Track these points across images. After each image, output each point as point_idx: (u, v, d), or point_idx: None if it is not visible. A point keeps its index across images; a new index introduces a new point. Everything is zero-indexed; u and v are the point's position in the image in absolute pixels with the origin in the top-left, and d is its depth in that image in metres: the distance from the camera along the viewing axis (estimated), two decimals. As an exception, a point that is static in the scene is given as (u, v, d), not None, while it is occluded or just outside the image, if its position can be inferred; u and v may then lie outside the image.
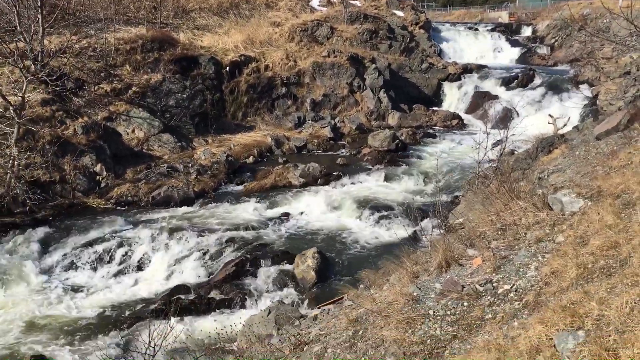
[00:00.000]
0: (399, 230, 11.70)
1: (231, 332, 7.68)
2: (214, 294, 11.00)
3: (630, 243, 4.22)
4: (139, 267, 12.42)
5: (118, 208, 15.38)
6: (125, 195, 15.85)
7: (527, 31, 38.33)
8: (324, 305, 8.11)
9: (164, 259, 12.53)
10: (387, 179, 17.08)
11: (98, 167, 16.62)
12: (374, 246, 12.93)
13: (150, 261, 12.55)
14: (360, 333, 5.06)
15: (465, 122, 24.73)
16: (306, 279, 11.25)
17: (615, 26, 25.51)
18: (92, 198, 15.67)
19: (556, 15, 36.50)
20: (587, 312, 3.43)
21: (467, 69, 28.77)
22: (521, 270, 4.85)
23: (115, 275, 12.20)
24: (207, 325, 9.70)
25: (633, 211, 4.92)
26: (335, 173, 17.52)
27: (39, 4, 18.03)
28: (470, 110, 25.98)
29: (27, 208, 14.00)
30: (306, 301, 10.49)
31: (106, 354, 8.68)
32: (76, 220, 14.25)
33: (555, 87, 24.66)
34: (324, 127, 22.67)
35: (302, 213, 14.90)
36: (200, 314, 10.40)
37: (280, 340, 6.33)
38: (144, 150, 18.99)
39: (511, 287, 4.61)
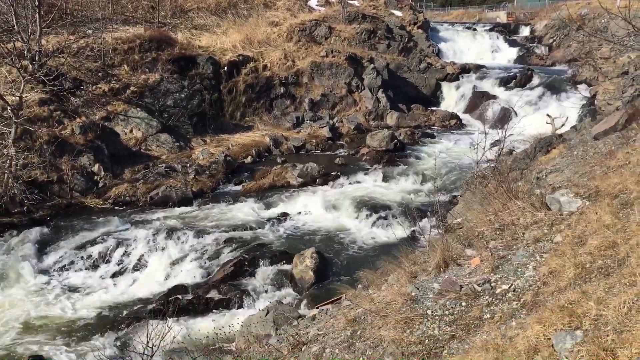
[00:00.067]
0: (397, 230, 11.69)
1: (229, 332, 7.68)
2: (212, 294, 10.99)
3: (628, 243, 4.22)
4: (137, 268, 12.40)
5: (116, 208, 15.36)
6: (123, 195, 15.82)
7: (525, 31, 38.34)
8: (322, 305, 8.11)
9: (162, 259, 12.51)
10: (386, 178, 17.08)
11: (96, 167, 16.59)
12: (372, 246, 12.93)
13: (148, 261, 12.52)
14: (358, 333, 5.05)
15: (463, 122, 24.74)
16: (304, 279, 11.24)
17: (613, 26, 25.53)
18: (90, 198, 15.65)
19: (554, 15, 36.53)
20: (585, 312, 3.43)
21: (466, 69, 28.77)
22: (519, 270, 4.85)
23: (113, 275, 12.18)
24: (205, 325, 9.69)
25: (631, 211, 4.92)
26: (333, 173, 17.52)
27: (37, 3, 17.98)
28: (469, 110, 26.00)
29: (25, 208, 13.98)
30: (304, 301, 10.48)
31: (104, 354, 8.66)
32: (74, 220, 14.23)
33: (554, 87, 24.67)
34: (323, 127, 22.66)
35: (300, 213, 14.89)
36: (199, 314, 10.39)
37: (278, 340, 6.33)
38: (142, 150, 18.97)
39: (509, 287, 4.61)
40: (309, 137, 21.96)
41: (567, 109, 20.13)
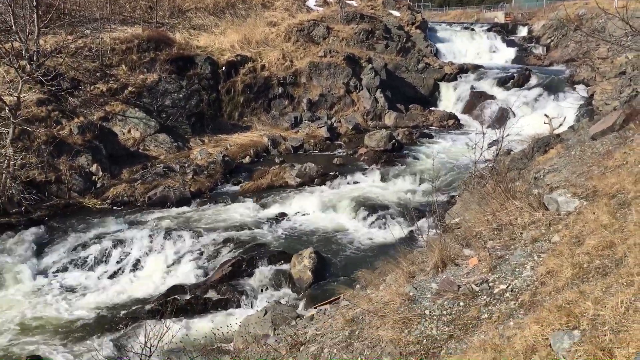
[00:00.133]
0: (395, 230, 11.71)
1: (227, 332, 7.67)
2: (211, 295, 10.99)
3: (626, 243, 4.23)
4: (135, 268, 12.37)
5: (114, 208, 15.34)
6: (121, 195, 15.80)
7: (523, 31, 38.42)
8: (320, 305, 8.11)
9: (160, 259, 12.50)
10: (384, 179, 17.09)
11: (94, 167, 16.56)
12: (370, 246, 12.94)
13: (146, 261, 12.50)
14: (356, 333, 5.06)
15: (461, 122, 24.77)
16: (303, 279, 11.24)
17: (610, 26, 25.58)
18: (88, 198, 15.63)
19: (552, 15, 36.59)
20: (582, 311, 3.43)
21: (463, 69, 28.82)
22: (517, 270, 4.85)
23: (111, 275, 12.16)
24: (204, 325, 9.69)
25: (628, 211, 4.93)
26: (331, 173, 17.52)
27: (35, 3, 17.96)
28: (467, 110, 26.02)
29: (23, 208, 13.96)
30: (303, 301, 10.48)
31: (102, 355, 8.65)
32: (72, 220, 14.21)
33: (551, 87, 24.72)
34: (321, 127, 22.66)
35: (298, 213, 14.89)
36: (197, 315, 10.38)
37: (276, 340, 6.33)
38: (140, 150, 18.95)
39: (507, 287, 4.62)
40: (307, 137, 21.96)
41: (564, 109, 20.19)
